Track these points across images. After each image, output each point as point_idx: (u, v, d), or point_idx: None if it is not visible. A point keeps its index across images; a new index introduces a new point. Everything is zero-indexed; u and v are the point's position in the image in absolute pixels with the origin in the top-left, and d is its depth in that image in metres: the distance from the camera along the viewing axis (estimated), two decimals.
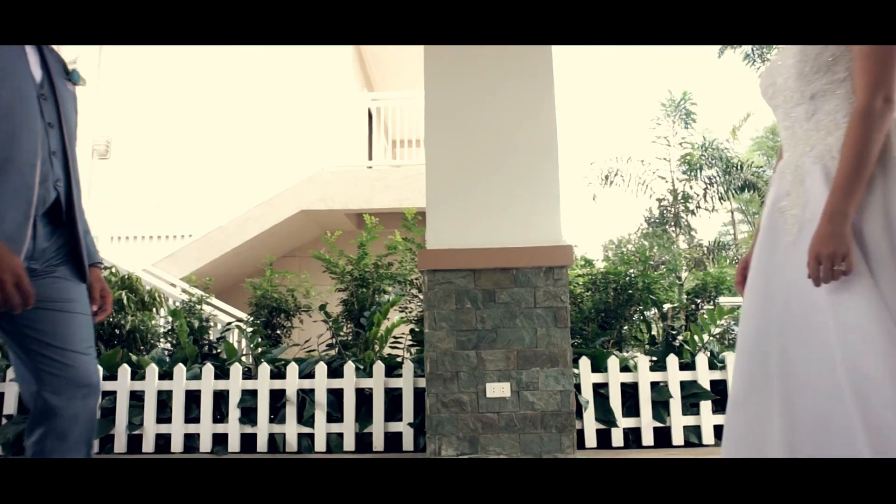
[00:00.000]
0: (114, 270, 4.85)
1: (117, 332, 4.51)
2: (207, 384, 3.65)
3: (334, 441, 3.58)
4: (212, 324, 4.96)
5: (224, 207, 7.82)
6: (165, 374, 3.75)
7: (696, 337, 3.90)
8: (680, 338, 4.20)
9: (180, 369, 3.67)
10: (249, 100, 8.55)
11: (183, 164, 8.62)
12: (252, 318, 4.76)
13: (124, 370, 3.68)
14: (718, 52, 11.02)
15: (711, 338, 4.05)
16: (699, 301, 4.98)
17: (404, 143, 8.34)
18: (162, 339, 4.82)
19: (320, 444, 3.57)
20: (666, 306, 4.82)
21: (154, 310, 4.76)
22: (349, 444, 3.56)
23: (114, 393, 3.67)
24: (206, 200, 8.25)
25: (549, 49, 3.49)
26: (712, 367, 3.68)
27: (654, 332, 4.73)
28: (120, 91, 9.02)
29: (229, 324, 4.85)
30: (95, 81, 9.07)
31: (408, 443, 3.56)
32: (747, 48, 10.17)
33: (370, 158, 8.53)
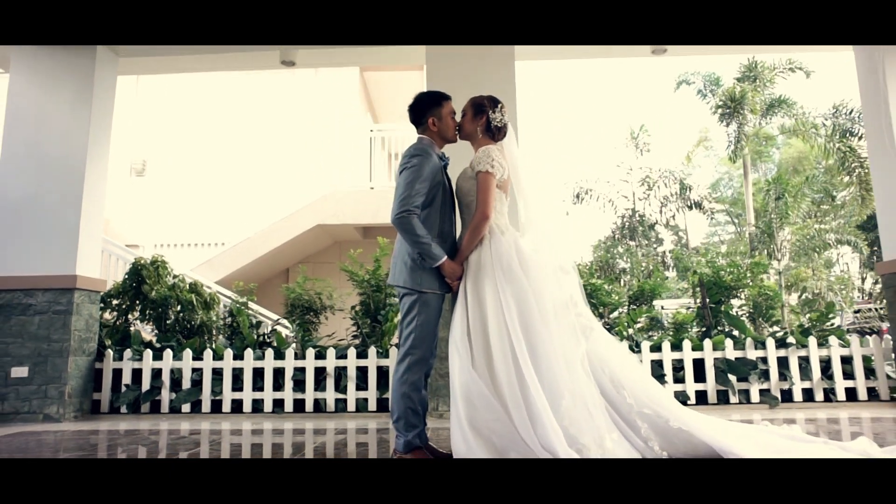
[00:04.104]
0: (181, 278, 6.20)
1: (188, 325, 5.88)
2: (269, 363, 5.04)
3: (361, 404, 4.98)
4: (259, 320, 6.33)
5: (249, 220, 9.19)
6: (236, 356, 5.13)
7: (620, 328, 5.34)
8: (614, 330, 5.63)
9: (249, 353, 5.06)
10: (271, 127, 9.90)
11: (211, 182, 9.96)
12: (289, 317, 6.12)
13: (208, 353, 5.06)
14: (675, 86, 12.61)
15: (633, 330, 5.49)
16: (638, 302, 6.42)
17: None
18: (216, 331, 6.18)
19: (351, 406, 4.96)
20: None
21: (214, 308, 6.12)
22: (372, 406, 4.96)
23: (200, 369, 5.06)
24: (233, 214, 9.61)
25: (514, 84, 4.89)
26: (632, 350, 5.09)
27: None
28: (154, 116, 10.34)
29: (278, 320, 6.22)
30: (132, 107, 10.38)
31: None
32: (700, 85, 11.80)
33: (370, 179, 9.86)
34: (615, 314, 6.11)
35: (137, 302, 5.90)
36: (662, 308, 9.00)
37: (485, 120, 2.84)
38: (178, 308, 5.90)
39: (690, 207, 11.34)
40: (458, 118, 2.93)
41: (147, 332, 6.25)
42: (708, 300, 5.62)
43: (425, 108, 2.85)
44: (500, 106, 2.88)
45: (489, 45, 5.11)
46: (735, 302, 5.74)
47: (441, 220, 2.75)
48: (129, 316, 5.99)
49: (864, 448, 2.59)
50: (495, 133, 2.86)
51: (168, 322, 5.88)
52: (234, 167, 9.90)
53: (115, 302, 5.91)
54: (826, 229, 10.61)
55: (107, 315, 5.94)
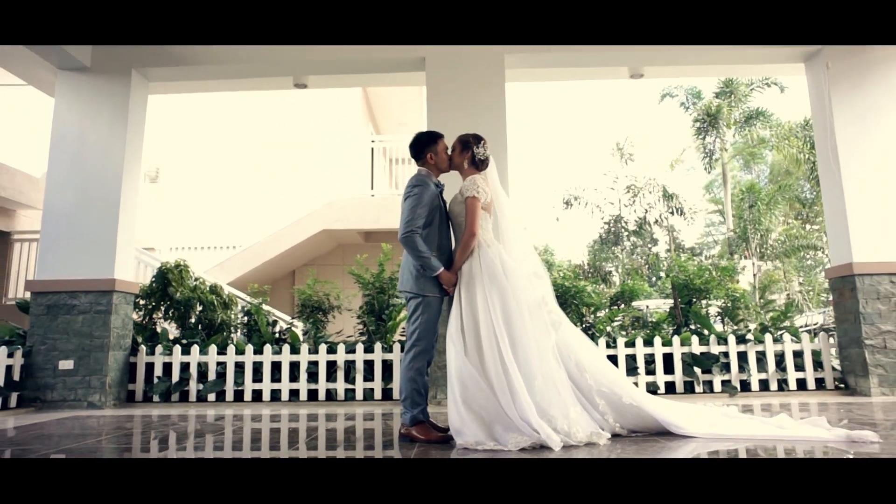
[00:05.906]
0: (202, 281, 6.78)
1: (209, 324, 6.47)
2: (285, 357, 5.64)
3: (368, 393, 5.58)
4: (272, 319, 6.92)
5: (258, 225, 9.77)
6: (256, 351, 5.72)
7: (601, 326, 5.96)
8: (595, 328, 6.24)
9: (268, 348, 5.66)
10: (278, 137, 10.49)
11: (222, 189, 10.54)
12: (300, 315, 6.70)
13: (231, 348, 5.66)
14: (659, 98, 13.30)
15: (612, 328, 6.10)
16: (619, 303, 7.03)
17: (403, 161, 10.25)
18: (234, 329, 6.77)
19: (359, 395, 5.56)
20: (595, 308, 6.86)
21: (232, 308, 6.70)
22: (378, 395, 5.57)
23: (224, 363, 5.65)
24: (243, 219, 10.20)
25: (503, 100, 5.50)
26: (609, 345, 5.69)
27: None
28: (167, 126, 10.91)
29: (292, 320, 6.82)
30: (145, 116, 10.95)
31: None
32: (682, 98, 12.49)
33: (371, 188, 10.44)
34: (600, 314, 6.69)
35: (163, 302, 6.48)
36: (647, 307, 9.61)
37: (470, 154, 3.44)
38: (200, 308, 6.49)
39: (673, 213, 12.06)
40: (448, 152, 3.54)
41: (171, 330, 6.83)
42: (679, 300, 6.24)
43: (423, 146, 3.48)
44: (482, 142, 3.48)
45: (484, 66, 5.71)
46: (710, 302, 6.35)
47: (439, 236, 3.37)
48: (154, 315, 6.57)
49: (780, 422, 3.21)
50: (479, 164, 3.46)
51: (191, 321, 6.46)
52: (243, 175, 10.49)
53: (141, 302, 6.49)
54: (802, 234, 11.27)
55: (134, 315, 6.51)
